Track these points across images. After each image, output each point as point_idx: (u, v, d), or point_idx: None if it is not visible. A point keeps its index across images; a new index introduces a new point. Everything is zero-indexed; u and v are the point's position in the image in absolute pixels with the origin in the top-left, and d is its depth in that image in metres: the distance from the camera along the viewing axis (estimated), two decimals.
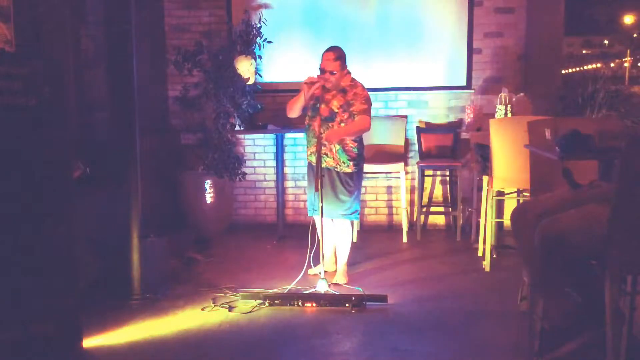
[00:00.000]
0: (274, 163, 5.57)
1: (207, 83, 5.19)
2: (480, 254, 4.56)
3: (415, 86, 5.55)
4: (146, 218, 3.83)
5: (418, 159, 5.36)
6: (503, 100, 4.79)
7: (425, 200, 5.60)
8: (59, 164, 2.97)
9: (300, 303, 3.64)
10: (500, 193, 4.45)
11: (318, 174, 3.71)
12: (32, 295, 2.84)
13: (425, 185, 5.58)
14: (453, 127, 5.43)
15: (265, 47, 5.37)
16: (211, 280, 4.18)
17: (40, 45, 2.88)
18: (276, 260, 4.69)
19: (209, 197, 5.28)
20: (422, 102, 5.60)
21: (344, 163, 3.99)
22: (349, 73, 4.03)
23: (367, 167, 4.56)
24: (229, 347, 3.16)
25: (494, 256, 4.47)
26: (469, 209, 5.25)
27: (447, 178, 5.58)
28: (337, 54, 3.94)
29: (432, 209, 5.67)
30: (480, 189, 4.72)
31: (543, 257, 2.51)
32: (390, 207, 5.72)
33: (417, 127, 5.49)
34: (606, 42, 21.92)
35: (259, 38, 5.29)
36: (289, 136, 5.64)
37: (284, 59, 5.57)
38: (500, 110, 4.78)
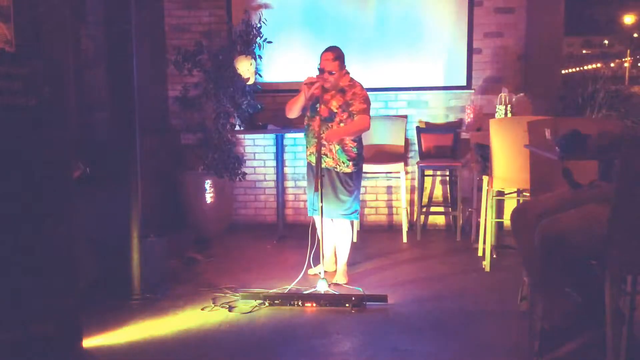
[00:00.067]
0: (274, 163, 5.57)
1: (207, 83, 5.19)
2: (480, 254, 4.56)
3: (415, 86, 5.55)
4: (146, 218, 3.83)
5: (418, 159, 5.36)
6: (503, 100, 4.79)
7: (425, 200, 5.60)
8: (59, 164, 2.96)
9: (300, 303, 3.64)
10: (500, 193, 4.45)
11: (318, 174, 3.72)
12: (32, 295, 2.84)
13: (425, 185, 5.58)
14: (453, 127, 5.43)
15: (265, 47, 5.38)
16: (211, 280, 4.18)
17: (40, 45, 2.88)
18: (276, 260, 4.68)
19: (209, 197, 5.28)
20: (422, 102, 5.60)
21: (344, 163, 3.99)
22: (348, 73, 4.03)
23: (367, 167, 4.57)
24: (229, 347, 3.16)
25: (494, 256, 4.47)
26: (469, 209, 5.25)
27: (447, 178, 5.58)
28: (335, 54, 3.94)
29: (432, 209, 5.67)
30: (480, 189, 4.72)
31: (543, 257, 2.51)
32: (390, 207, 5.72)
33: (417, 127, 5.49)
34: (606, 42, 21.95)
35: (259, 38, 5.29)
36: (289, 136, 5.64)
37: (284, 59, 5.57)
38: (500, 110, 4.78)
